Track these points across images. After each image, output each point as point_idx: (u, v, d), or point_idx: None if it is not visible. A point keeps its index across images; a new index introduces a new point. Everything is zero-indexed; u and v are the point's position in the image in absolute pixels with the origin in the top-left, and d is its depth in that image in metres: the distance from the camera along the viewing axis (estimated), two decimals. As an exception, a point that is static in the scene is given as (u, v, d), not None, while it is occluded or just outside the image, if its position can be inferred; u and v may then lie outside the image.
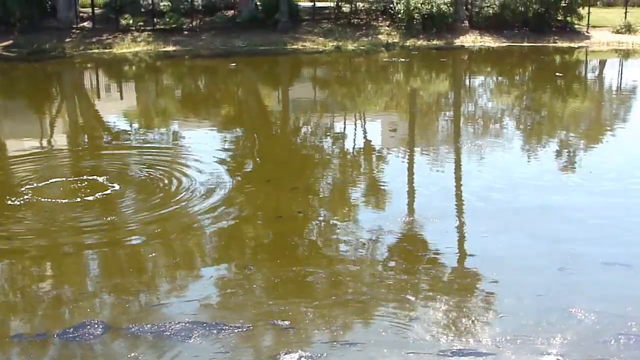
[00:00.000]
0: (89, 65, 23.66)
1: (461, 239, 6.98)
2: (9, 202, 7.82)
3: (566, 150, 10.85)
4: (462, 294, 5.61)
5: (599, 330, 5.01)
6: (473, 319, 5.20)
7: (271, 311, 5.29)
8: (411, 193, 8.51)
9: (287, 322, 5.12)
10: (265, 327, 5.09)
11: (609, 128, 12.88)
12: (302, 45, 26.40)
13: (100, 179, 8.67)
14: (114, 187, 8.30)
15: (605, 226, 7.12)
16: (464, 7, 28.34)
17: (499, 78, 20.54)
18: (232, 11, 29.29)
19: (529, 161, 10.09)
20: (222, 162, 9.71)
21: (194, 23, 28.04)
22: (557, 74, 20.14)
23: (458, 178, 9.09)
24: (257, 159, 10.13)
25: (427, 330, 5.04)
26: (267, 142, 11.55)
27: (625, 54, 25.09)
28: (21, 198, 7.95)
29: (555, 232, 6.93)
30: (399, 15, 27.16)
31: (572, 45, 26.52)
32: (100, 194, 8.05)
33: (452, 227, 7.26)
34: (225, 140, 11.77)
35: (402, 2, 27.16)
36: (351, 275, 6.00)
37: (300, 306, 5.36)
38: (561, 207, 7.63)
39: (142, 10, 28.17)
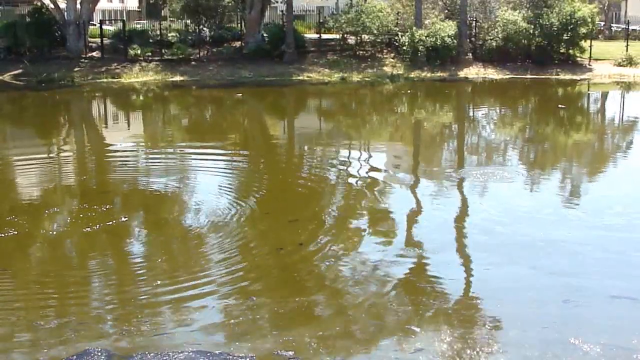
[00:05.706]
0: (97, 94, 23.93)
1: (464, 272, 6.99)
2: (13, 230, 7.89)
3: (569, 183, 10.88)
4: (466, 325, 5.60)
5: (604, 364, 5.00)
6: (478, 350, 5.19)
7: (275, 341, 5.29)
8: (413, 225, 8.52)
9: (290, 353, 5.11)
10: (269, 357, 5.09)
11: (612, 161, 12.92)
12: (307, 77, 26.69)
13: (106, 208, 8.73)
14: (121, 218, 8.35)
15: (610, 260, 7.10)
16: (468, 40, 28.68)
17: (502, 110, 20.67)
18: (239, 42, 29.71)
19: (531, 194, 10.11)
20: (224, 192, 9.74)
21: (201, 54, 28.44)
22: (559, 106, 20.27)
23: (461, 211, 9.10)
24: (259, 191, 10.15)
25: (431, 362, 5.03)
26: (271, 173, 11.60)
27: (627, 86, 25.28)
28: (23, 228, 8.02)
29: (559, 265, 6.93)
30: (404, 48, 27.51)
31: (575, 77, 26.76)
32: (101, 224, 8.10)
33: (455, 259, 7.27)
34: (228, 171, 11.83)
35: (406, 34, 27.54)
36: (354, 306, 6.00)
37: (304, 337, 5.36)
38: (564, 241, 7.61)
39: (151, 40, 28.64)
